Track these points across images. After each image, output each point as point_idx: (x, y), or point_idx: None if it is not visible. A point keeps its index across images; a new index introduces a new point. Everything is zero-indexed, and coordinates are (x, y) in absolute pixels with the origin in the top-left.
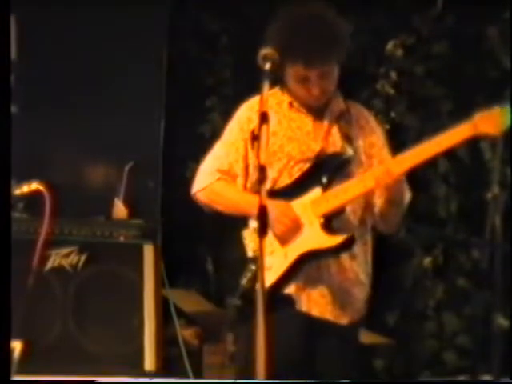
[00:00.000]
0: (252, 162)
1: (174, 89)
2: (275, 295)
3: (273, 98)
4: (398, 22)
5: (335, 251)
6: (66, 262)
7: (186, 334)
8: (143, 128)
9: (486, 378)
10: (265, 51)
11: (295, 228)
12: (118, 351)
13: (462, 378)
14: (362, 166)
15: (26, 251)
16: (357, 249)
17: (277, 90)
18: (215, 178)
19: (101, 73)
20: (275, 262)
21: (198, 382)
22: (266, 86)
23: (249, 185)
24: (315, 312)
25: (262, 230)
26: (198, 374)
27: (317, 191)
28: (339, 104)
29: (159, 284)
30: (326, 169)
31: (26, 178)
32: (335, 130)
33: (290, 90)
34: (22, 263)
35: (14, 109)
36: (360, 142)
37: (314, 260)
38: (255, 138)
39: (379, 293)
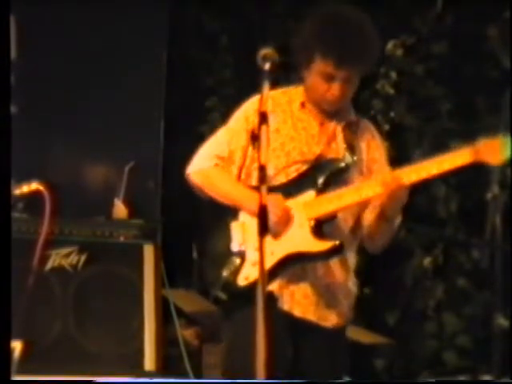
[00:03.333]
0: (250, 154)
1: (173, 89)
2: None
3: (284, 95)
4: (398, 21)
5: (322, 256)
6: (65, 262)
7: (186, 333)
8: (143, 128)
9: (486, 378)
10: (265, 51)
11: (286, 219)
12: (118, 351)
13: (462, 377)
14: (361, 177)
15: (26, 251)
16: (347, 256)
17: (291, 88)
18: (212, 164)
19: (101, 73)
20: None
21: (198, 382)
22: (265, 85)
23: (243, 176)
24: (297, 312)
25: (262, 229)
26: (197, 374)
27: (310, 194)
28: (350, 114)
29: (159, 284)
30: (323, 173)
31: (25, 178)
32: (340, 137)
33: (308, 87)
34: (22, 263)
35: (13, 109)
36: (363, 156)
37: (302, 262)
38: (255, 137)
39: (379, 293)
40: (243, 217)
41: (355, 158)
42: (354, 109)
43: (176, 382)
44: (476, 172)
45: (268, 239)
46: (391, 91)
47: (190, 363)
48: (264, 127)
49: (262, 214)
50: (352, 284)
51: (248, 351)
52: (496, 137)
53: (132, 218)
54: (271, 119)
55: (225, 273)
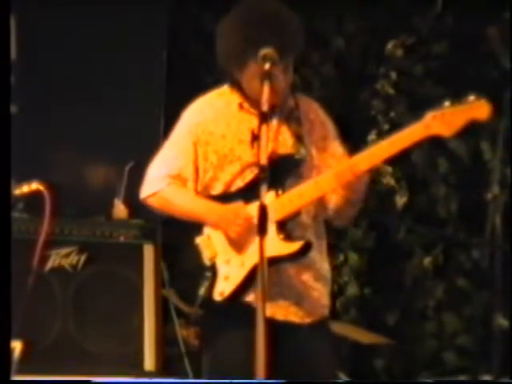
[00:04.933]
0: (202, 165)
1: (174, 88)
2: (235, 305)
3: (221, 98)
4: (398, 22)
5: (293, 258)
6: (65, 262)
7: (185, 333)
8: (143, 128)
9: (486, 378)
10: (265, 51)
11: (250, 228)
12: (118, 351)
13: (462, 377)
14: (313, 164)
15: (26, 251)
16: (313, 247)
17: (225, 88)
18: (165, 184)
19: (101, 73)
20: (232, 271)
21: (198, 382)
22: (266, 86)
23: (199, 188)
24: (279, 316)
25: (262, 230)
26: (197, 374)
27: (270, 195)
28: (289, 102)
29: (159, 284)
30: (278, 171)
31: (26, 178)
32: (285, 129)
33: (246, 89)
34: (22, 263)
35: (13, 109)
36: (311, 137)
37: (274, 266)
38: (255, 137)
39: (379, 293)
40: (208, 230)
41: (305, 145)
42: (354, 109)
43: (176, 382)
44: (476, 172)
45: (234, 252)
46: (391, 91)
47: (190, 363)
48: (264, 127)
49: (262, 214)
50: (324, 271)
51: (232, 366)
52: (443, 108)
53: (132, 218)
54: (214, 126)
55: (201, 291)
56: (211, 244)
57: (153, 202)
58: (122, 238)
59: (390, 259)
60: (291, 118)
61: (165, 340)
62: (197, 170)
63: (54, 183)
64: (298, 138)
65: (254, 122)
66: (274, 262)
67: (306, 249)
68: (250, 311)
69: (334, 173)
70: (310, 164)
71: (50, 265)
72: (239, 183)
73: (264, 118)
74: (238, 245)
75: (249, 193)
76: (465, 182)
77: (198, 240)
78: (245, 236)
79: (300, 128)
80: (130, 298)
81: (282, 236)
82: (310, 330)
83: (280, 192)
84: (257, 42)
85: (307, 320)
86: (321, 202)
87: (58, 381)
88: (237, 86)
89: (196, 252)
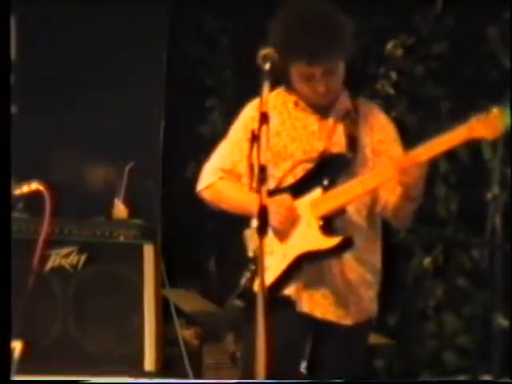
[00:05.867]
0: (256, 161)
1: (173, 89)
2: (274, 296)
3: (278, 97)
4: (398, 22)
5: (333, 252)
6: (65, 262)
7: (185, 334)
8: (143, 128)
9: (486, 378)
10: (265, 51)
11: (293, 218)
12: (118, 351)
13: (462, 377)
14: (367, 166)
15: (25, 251)
16: (361, 248)
17: (282, 89)
18: (218, 177)
19: (101, 73)
20: (273, 262)
21: (198, 382)
22: (266, 86)
23: (255, 184)
24: (317, 313)
25: (262, 230)
26: (197, 373)
27: (317, 192)
28: (345, 102)
29: (159, 284)
30: (329, 169)
31: (25, 178)
32: (340, 129)
33: (296, 89)
34: (22, 263)
35: (13, 109)
36: (367, 140)
37: (315, 261)
38: (255, 138)
39: (379, 293)
40: (255, 223)
41: (357, 148)
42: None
43: (176, 382)
44: (476, 172)
45: (278, 242)
46: (391, 91)
47: (190, 363)
48: (264, 127)
49: (262, 215)
50: (371, 276)
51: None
52: (489, 112)
53: (132, 218)
54: (271, 123)
55: (242, 281)
56: (257, 236)
57: (206, 195)
58: (121, 238)
59: (390, 259)
60: (347, 118)
61: (165, 340)
62: (251, 166)
63: (54, 183)
64: (352, 139)
65: (309, 119)
66: (314, 256)
67: (347, 244)
68: (287, 304)
69: (393, 163)
70: (364, 164)
71: (50, 265)
72: (290, 179)
73: (264, 118)
74: (280, 237)
75: (299, 189)
76: (465, 182)
77: (246, 233)
78: (287, 228)
79: (356, 130)
80: (130, 298)
81: (323, 231)
82: (348, 331)
83: (327, 188)
84: (299, 42)
85: (346, 322)
86: (375, 202)
87: (58, 381)
88: (291, 86)
89: (243, 245)
